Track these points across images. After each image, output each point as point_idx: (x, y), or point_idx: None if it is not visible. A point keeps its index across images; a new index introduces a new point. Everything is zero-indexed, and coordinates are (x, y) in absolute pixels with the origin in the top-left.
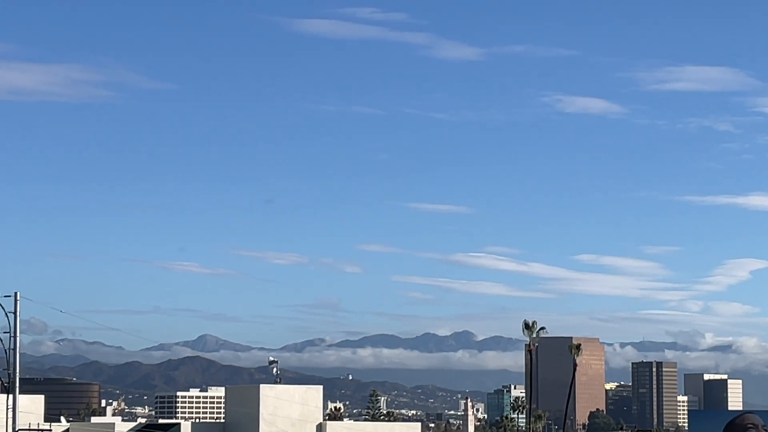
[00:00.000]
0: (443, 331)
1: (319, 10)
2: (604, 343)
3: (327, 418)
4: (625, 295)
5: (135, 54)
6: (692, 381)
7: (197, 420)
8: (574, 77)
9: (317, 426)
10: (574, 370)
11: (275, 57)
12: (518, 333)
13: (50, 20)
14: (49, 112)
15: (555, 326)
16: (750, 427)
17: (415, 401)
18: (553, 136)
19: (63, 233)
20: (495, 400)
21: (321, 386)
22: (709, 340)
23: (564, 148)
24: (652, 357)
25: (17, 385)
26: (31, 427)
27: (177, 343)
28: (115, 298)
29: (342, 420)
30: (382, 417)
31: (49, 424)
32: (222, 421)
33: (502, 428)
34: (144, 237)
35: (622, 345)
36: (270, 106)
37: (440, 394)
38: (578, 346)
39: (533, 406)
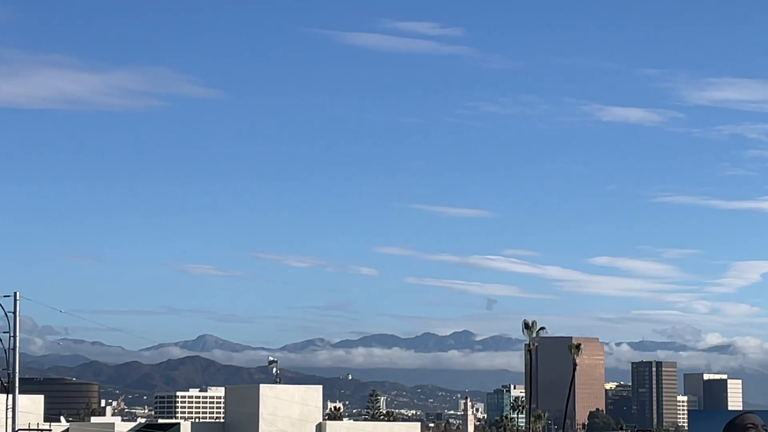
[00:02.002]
0: (443, 331)
1: (380, 25)
2: (603, 343)
3: (326, 418)
4: (634, 297)
5: (186, 63)
6: (692, 381)
7: (197, 420)
8: (615, 88)
9: (317, 426)
10: (574, 369)
11: (325, 68)
12: (518, 333)
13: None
14: (98, 120)
15: (558, 326)
16: (750, 427)
17: (415, 401)
18: (587, 143)
19: (82, 235)
20: (495, 399)
21: (320, 386)
22: (712, 340)
23: (597, 154)
24: (649, 357)
25: (17, 385)
26: (31, 427)
27: (177, 343)
28: (125, 299)
29: (341, 420)
30: (381, 417)
31: (48, 424)
32: (222, 421)
33: (502, 428)
34: (162, 239)
35: (618, 344)
36: (316, 115)
37: (440, 393)
38: (578, 346)
39: (533, 406)
